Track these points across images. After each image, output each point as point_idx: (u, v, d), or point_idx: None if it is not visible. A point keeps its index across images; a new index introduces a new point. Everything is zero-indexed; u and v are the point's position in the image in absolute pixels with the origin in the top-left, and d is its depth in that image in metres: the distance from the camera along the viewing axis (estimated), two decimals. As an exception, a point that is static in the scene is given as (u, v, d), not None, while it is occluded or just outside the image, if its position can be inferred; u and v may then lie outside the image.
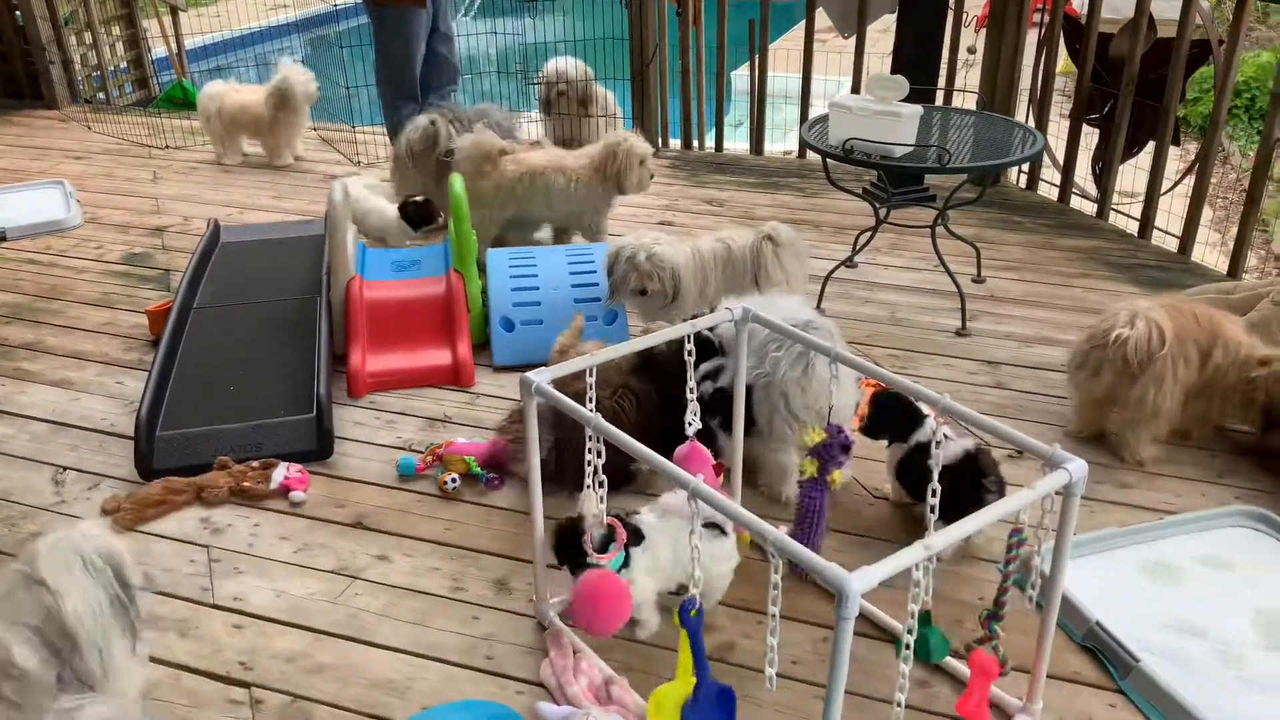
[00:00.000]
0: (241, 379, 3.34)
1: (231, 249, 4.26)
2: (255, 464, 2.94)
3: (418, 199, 4.32)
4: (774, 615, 1.68)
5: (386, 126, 5.42)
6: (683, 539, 1.98)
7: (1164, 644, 2.29)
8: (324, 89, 5.75)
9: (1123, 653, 2.23)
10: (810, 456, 2.39)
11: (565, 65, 5.66)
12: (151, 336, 3.73)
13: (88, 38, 7.00)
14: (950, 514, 1.90)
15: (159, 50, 7.46)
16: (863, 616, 2.38)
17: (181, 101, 7.01)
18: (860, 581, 1.53)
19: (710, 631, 2.35)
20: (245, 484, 2.87)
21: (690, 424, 2.43)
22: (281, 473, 2.90)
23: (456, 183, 3.67)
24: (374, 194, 4.44)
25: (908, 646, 1.71)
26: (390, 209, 4.35)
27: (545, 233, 4.50)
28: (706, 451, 2.48)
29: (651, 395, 2.92)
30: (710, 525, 2.25)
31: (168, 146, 6.11)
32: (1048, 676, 2.11)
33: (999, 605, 1.94)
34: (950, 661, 2.25)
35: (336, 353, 3.50)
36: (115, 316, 4.00)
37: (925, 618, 2.09)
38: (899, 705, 1.71)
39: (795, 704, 2.18)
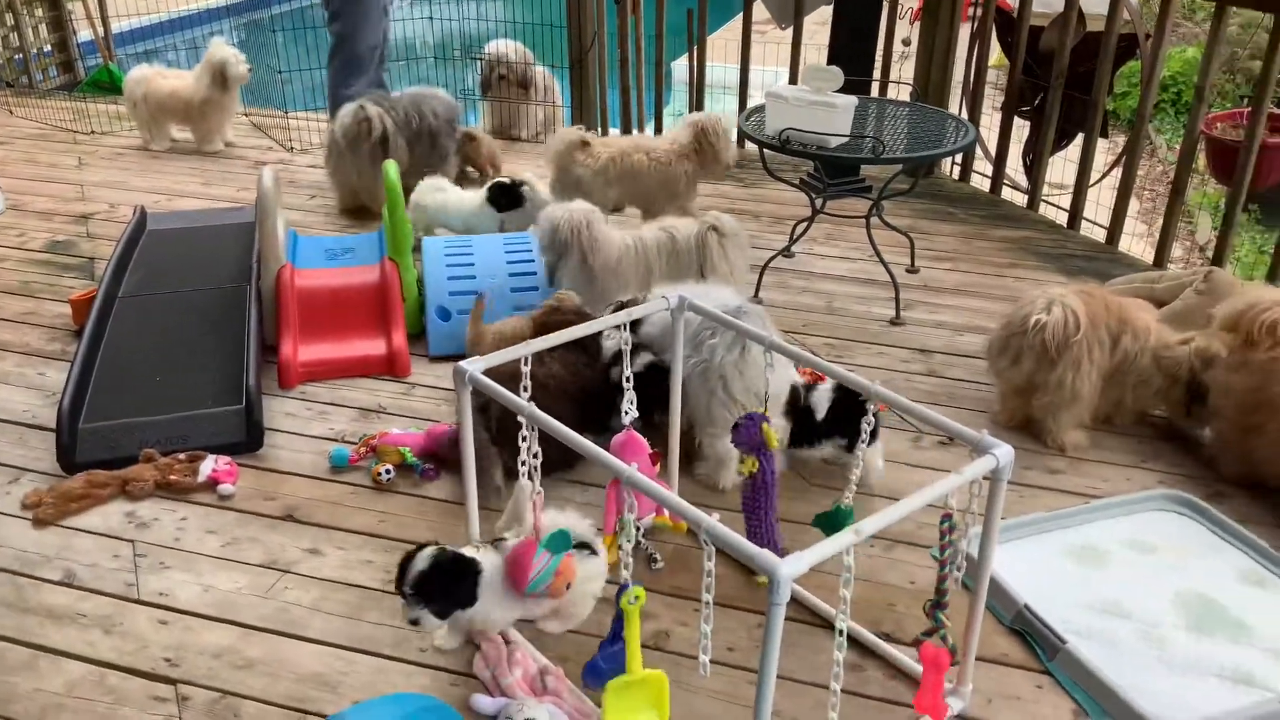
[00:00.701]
0: (168, 369, 3.26)
1: (158, 236, 4.16)
2: (182, 456, 2.88)
3: (504, 180, 4.28)
4: (707, 603, 1.68)
5: (330, 106, 5.32)
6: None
7: (1090, 625, 2.34)
8: (257, 74, 5.63)
9: (1050, 635, 2.27)
10: (748, 455, 2.37)
11: (506, 48, 5.63)
12: (75, 326, 3.63)
13: (9, 19, 6.77)
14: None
15: (85, 33, 7.24)
16: (798, 602, 2.40)
17: (108, 86, 6.81)
18: (791, 567, 1.53)
19: (646, 619, 2.35)
20: (172, 477, 2.80)
21: (627, 413, 2.42)
22: (209, 465, 2.83)
23: (391, 169, 3.62)
24: (442, 189, 4.35)
25: (841, 633, 1.72)
26: (470, 196, 4.30)
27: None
28: (643, 440, 2.48)
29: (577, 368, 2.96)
30: (581, 545, 2.24)
31: (93, 132, 5.95)
32: (977, 659, 2.14)
33: (941, 593, 1.97)
34: (883, 645, 2.28)
35: (267, 342, 3.44)
36: (37, 306, 3.88)
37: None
38: (834, 693, 1.72)
39: (731, 690, 2.18)
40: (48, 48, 7.09)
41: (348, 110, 4.58)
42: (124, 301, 3.62)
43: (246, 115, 6.14)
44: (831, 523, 2.22)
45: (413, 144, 4.69)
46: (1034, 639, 2.30)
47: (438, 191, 4.32)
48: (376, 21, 5.15)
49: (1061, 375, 2.92)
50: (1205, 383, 2.94)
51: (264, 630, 2.34)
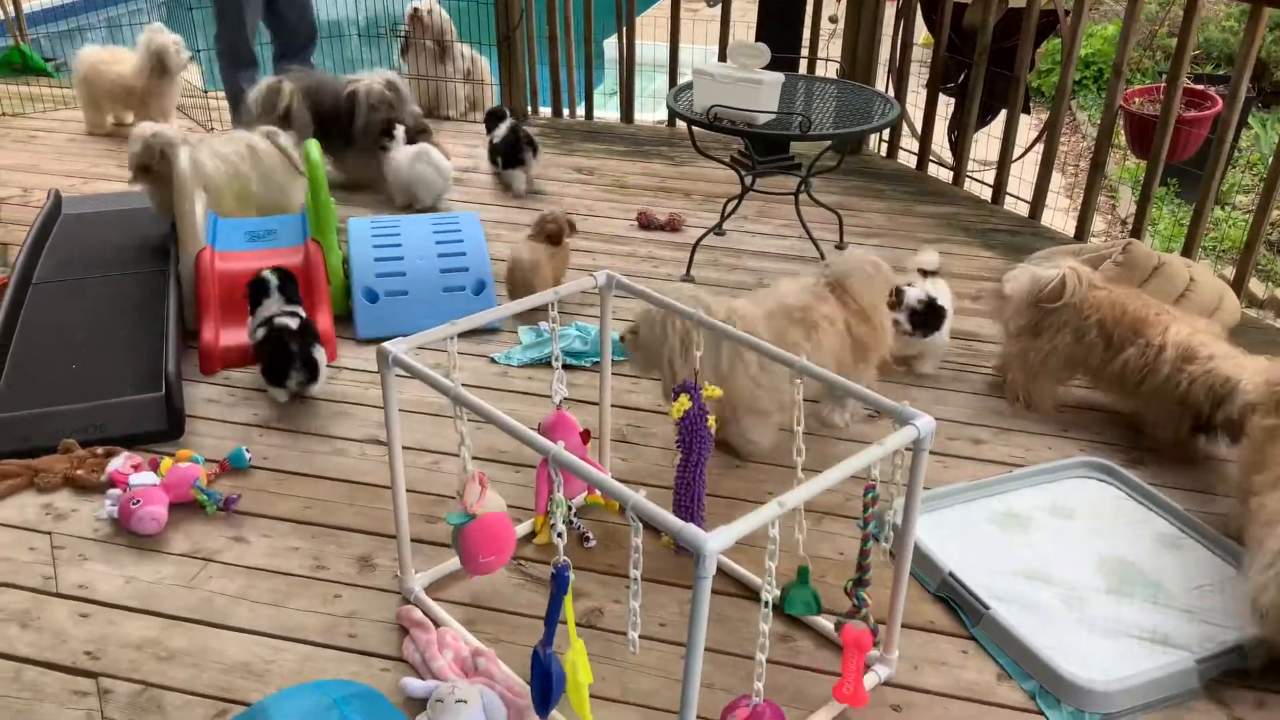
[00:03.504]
0: (85, 357, 3.17)
1: (74, 221, 4.04)
2: (100, 451, 2.79)
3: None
4: (635, 579, 1.68)
5: (226, 94, 5.24)
6: None
7: (1012, 591, 2.39)
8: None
9: (974, 601, 2.31)
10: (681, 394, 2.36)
11: (423, 5, 5.61)
12: (-14, 314, 3.51)
13: (-88, -3, 6.50)
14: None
15: (-6, 12, 6.98)
16: (728, 575, 2.42)
17: (20, 67, 6.56)
18: (717, 541, 1.54)
19: (579, 597, 2.35)
20: (79, 471, 2.71)
21: (557, 393, 2.41)
22: (119, 462, 2.72)
23: (313, 149, 3.55)
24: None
25: (767, 604, 1.73)
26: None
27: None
28: (573, 419, 2.48)
29: None
30: None
31: (4, 114, 5.74)
32: (903, 626, 2.18)
33: (863, 570, 1.99)
34: (813, 617, 2.30)
35: (188, 328, 3.36)
36: (-55, 294, 3.74)
37: (804, 574, 2.15)
38: (760, 664, 1.74)
39: (663, 665, 2.19)
40: (-46, 26, 6.83)
41: (260, 85, 4.56)
42: (38, 288, 3.51)
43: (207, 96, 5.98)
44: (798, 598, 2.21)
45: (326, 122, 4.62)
46: (959, 605, 2.35)
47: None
48: (237, 1, 5.00)
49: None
50: (1220, 418, 2.79)
51: (188, 620, 2.29)
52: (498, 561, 2.15)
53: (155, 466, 2.71)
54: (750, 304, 2.80)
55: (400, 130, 4.47)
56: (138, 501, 2.52)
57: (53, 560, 2.47)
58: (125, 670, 2.16)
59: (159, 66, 5.20)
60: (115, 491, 2.63)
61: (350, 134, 4.60)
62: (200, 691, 2.11)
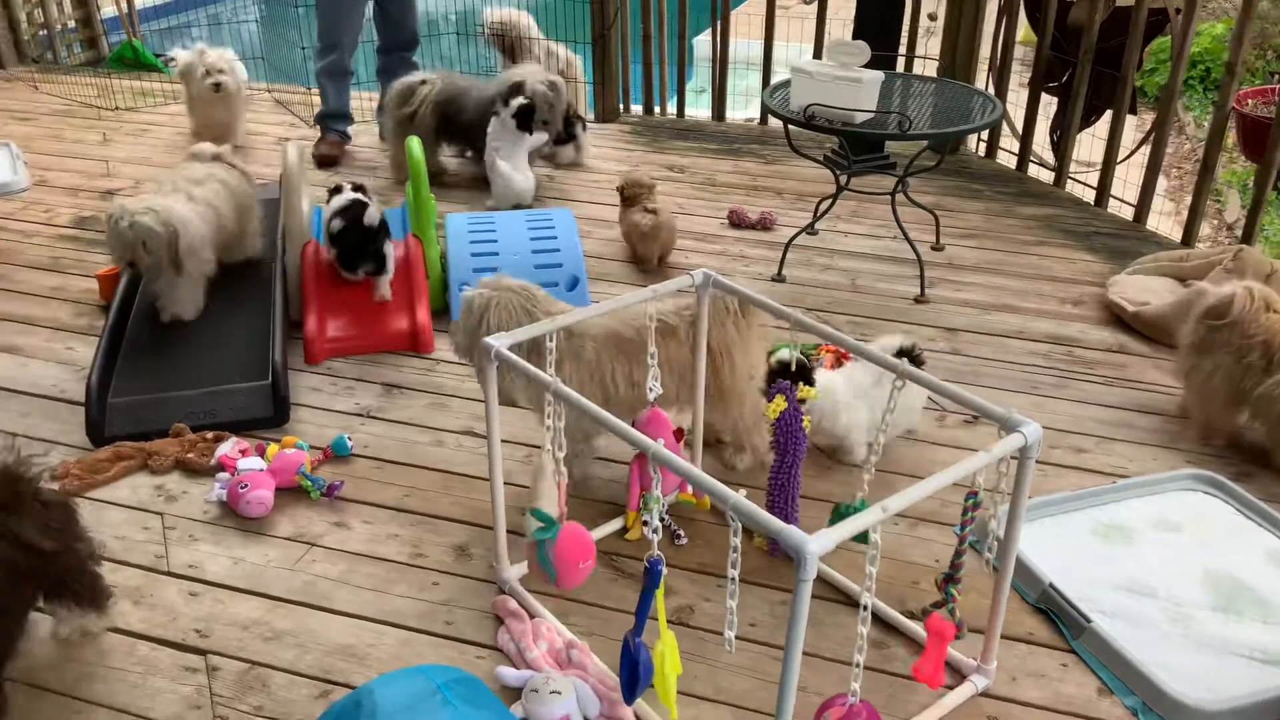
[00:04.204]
0: (195, 345, 3.29)
1: (184, 213, 4.17)
2: (209, 435, 2.89)
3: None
4: (733, 579, 1.68)
5: (320, 95, 5.28)
6: None
7: (1115, 604, 2.34)
8: (279, 49, 5.62)
9: (1075, 613, 2.26)
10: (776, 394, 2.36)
11: (506, 14, 5.62)
12: (102, 301, 3.65)
13: (34, -5, 6.80)
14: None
15: (109, 9, 7.26)
16: (820, 579, 2.41)
17: (132, 62, 6.83)
18: (818, 544, 1.53)
19: (669, 594, 2.36)
20: (189, 455, 2.81)
21: (652, 390, 2.43)
22: (227, 447, 2.82)
23: (414, 146, 3.62)
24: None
25: (866, 608, 1.72)
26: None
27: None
28: (667, 417, 2.48)
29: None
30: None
31: (117, 108, 5.97)
32: (1002, 637, 2.15)
33: (955, 568, 1.97)
34: (906, 622, 2.28)
35: (293, 319, 3.46)
36: (65, 281, 3.91)
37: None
38: (857, 665, 1.73)
39: (755, 666, 2.19)
40: (72, 24, 7.11)
41: (404, 79, 4.71)
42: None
43: (270, 91, 6.15)
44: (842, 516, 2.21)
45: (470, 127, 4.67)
46: (1059, 617, 2.30)
47: None
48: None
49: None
50: None
51: (292, 603, 2.36)
52: (591, 565, 2.14)
53: (262, 452, 2.80)
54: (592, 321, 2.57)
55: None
56: (245, 485, 2.61)
57: (164, 540, 2.57)
58: (233, 649, 2.23)
59: (221, 91, 5.04)
60: (224, 475, 2.72)
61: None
62: (304, 672, 2.17)
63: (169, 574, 2.46)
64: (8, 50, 6.73)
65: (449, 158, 5.03)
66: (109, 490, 2.74)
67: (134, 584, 2.42)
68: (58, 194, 4.75)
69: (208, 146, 3.76)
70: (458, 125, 4.72)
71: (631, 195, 4.04)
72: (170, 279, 3.34)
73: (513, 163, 4.47)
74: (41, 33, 6.92)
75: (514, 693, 2.08)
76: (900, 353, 2.71)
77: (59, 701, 2.10)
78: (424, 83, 4.70)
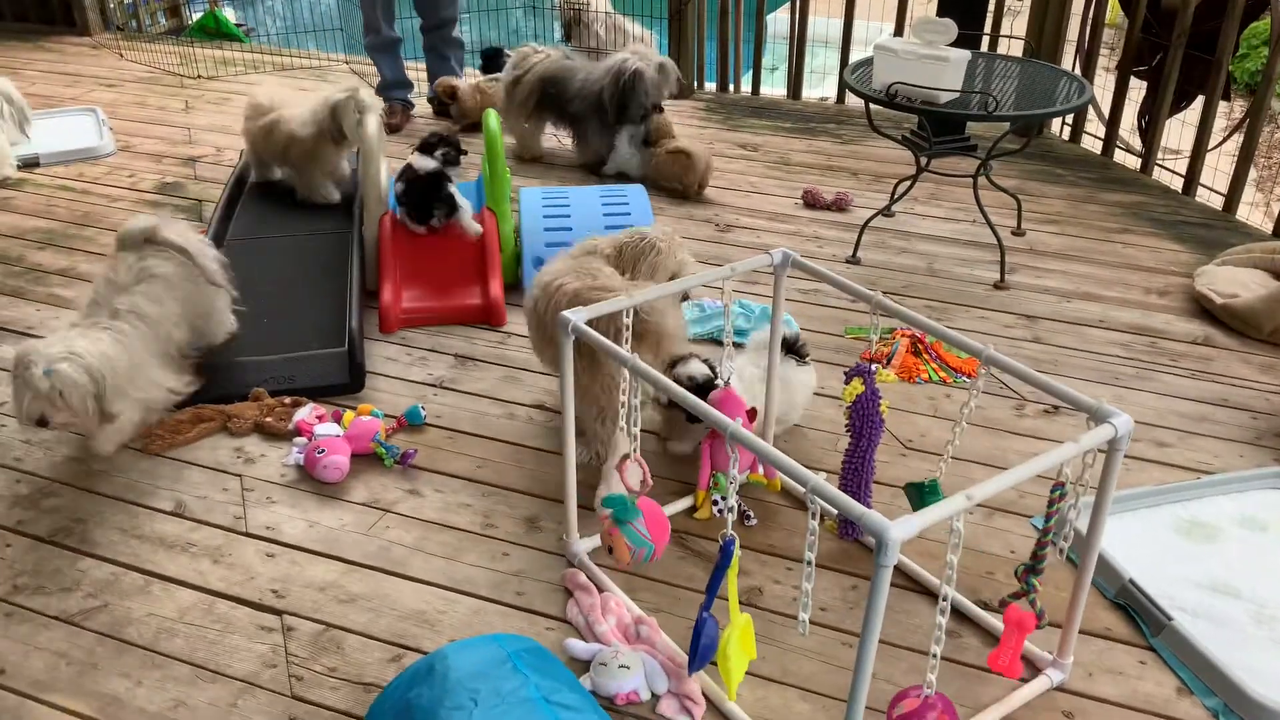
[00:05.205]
0: (274, 312, 3.34)
1: (264, 182, 4.24)
2: (287, 400, 2.94)
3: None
4: (809, 561, 1.67)
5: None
6: None
7: (1197, 603, 2.28)
8: (357, 20, 5.66)
9: (1155, 610, 2.21)
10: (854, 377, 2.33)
11: None
12: (184, 266, 3.72)
13: (119, -36, 6.94)
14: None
15: (191, -21, 7.39)
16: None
17: (214, 31, 6.95)
18: (900, 530, 1.51)
19: (740, 575, 2.35)
20: (267, 419, 2.86)
21: (727, 369, 2.41)
22: (304, 413, 2.87)
23: (491, 119, 3.62)
24: None
25: (945, 598, 1.69)
26: None
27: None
28: (740, 398, 2.47)
29: None
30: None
31: (199, 76, 6.08)
32: (1079, 632, 2.10)
33: (1038, 559, 1.93)
34: (981, 613, 2.25)
35: (369, 288, 3.50)
36: (148, 245, 3.99)
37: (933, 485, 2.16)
38: (934, 656, 1.70)
39: (824, 650, 2.18)
40: (157, -7, 7.25)
41: (520, 49, 4.77)
42: (231, 244, 3.70)
43: (346, 62, 6.20)
44: (920, 495, 2.19)
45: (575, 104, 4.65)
46: (1138, 614, 2.25)
47: None
48: None
49: None
50: None
51: (366, 567, 2.40)
52: (665, 543, 2.13)
53: (338, 418, 2.84)
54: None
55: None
56: (322, 451, 2.65)
57: (243, 501, 2.62)
58: (308, 610, 2.27)
59: (336, 132, 3.86)
60: (301, 440, 2.77)
61: (617, 114, 4.54)
62: (377, 636, 2.20)
63: (247, 534, 2.51)
64: (94, 18, 6.89)
65: (549, 135, 5.00)
66: (190, 451, 2.80)
67: (215, 543, 2.48)
68: (142, 159, 4.85)
69: (138, 226, 2.89)
70: (559, 105, 4.68)
71: (655, 139, 4.46)
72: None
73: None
74: (127, 2, 7.07)
75: (582, 665, 2.10)
76: (785, 346, 2.68)
77: (140, 655, 2.16)
78: (537, 52, 4.72)
